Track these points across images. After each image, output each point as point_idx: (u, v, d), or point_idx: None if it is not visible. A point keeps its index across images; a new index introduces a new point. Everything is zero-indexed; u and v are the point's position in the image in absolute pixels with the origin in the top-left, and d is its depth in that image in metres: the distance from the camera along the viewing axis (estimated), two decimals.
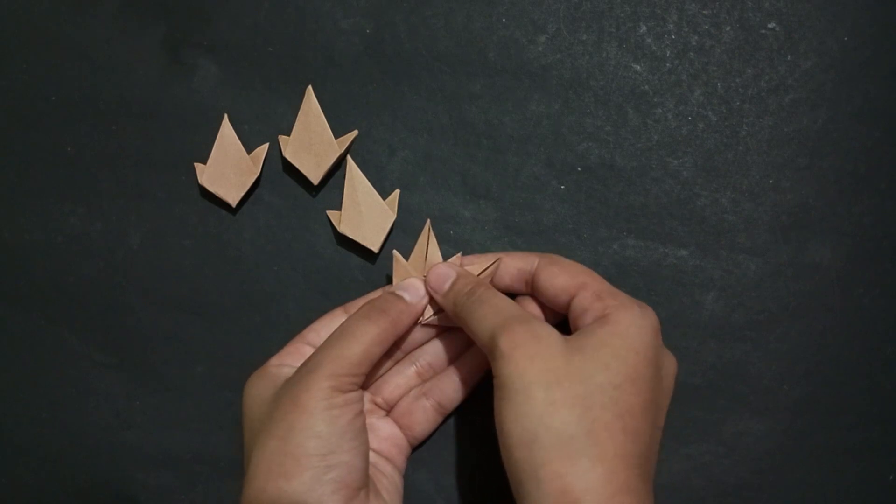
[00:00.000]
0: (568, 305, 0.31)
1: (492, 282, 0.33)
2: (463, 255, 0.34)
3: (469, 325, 0.30)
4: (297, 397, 0.28)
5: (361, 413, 0.30)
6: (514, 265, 0.33)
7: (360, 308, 0.32)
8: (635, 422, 0.27)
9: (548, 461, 0.25)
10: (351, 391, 0.29)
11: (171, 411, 0.37)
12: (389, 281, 0.37)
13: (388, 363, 0.34)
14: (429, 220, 0.33)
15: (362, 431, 0.29)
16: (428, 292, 0.33)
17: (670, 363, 0.30)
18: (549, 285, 0.31)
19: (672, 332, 0.35)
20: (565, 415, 0.26)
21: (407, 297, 0.32)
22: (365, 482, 0.29)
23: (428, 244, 0.33)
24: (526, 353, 0.27)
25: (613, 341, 0.28)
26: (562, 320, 0.32)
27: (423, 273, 0.33)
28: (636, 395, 0.27)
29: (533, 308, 0.33)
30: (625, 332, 0.28)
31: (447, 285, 0.32)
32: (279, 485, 0.27)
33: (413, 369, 0.34)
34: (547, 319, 0.33)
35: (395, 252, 0.33)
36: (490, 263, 0.33)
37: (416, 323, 0.33)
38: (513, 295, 0.33)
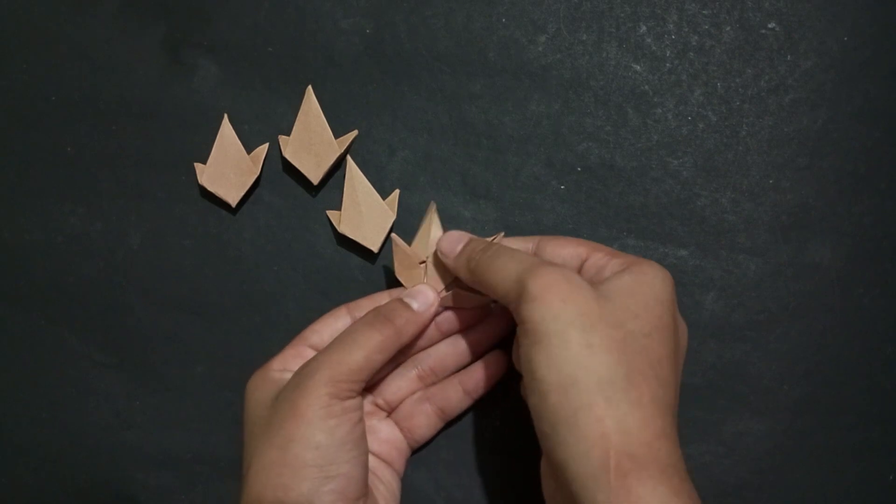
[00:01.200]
0: (577, 271, 0.30)
1: None
2: None
3: (487, 278, 0.29)
4: (296, 404, 0.28)
5: (361, 422, 0.29)
6: (513, 244, 0.33)
7: (366, 314, 0.31)
8: (664, 370, 0.26)
9: (587, 405, 0.25)
10: (349, 398, 0.29)
11: (171, 411, 0.37)
12: (388, 282, 0.37)
13: (390, 365, 0.34)
14: (433, 202, 0.33)
15: (361, 440, 0.29)
16: (437, 260, 0.33)
17: (682, 324, 0.30)
18: (557, 254, 0.31)
19: None
20: (604, 358, 0.25)
21: (415, 305, 0.32)
22: (364, 492, 0.29)
23: (432, 225, 0.33)
24: (559, 295, 0.26)
25: (642, 290, 0.27)
26: None
27: (427, 255, 0.33)
28: (663, 345, 0.27)
29: None
30: (651, 282, 0.28)
31: (460, 247, 0.32)
32: (277, 496, 0.27)
33: (414, 372, 0.34)
34: None
35: (394, 236, 0.33)
36: (492, 239, 0.33)
37: (422, 332, 0.33)
38: None
